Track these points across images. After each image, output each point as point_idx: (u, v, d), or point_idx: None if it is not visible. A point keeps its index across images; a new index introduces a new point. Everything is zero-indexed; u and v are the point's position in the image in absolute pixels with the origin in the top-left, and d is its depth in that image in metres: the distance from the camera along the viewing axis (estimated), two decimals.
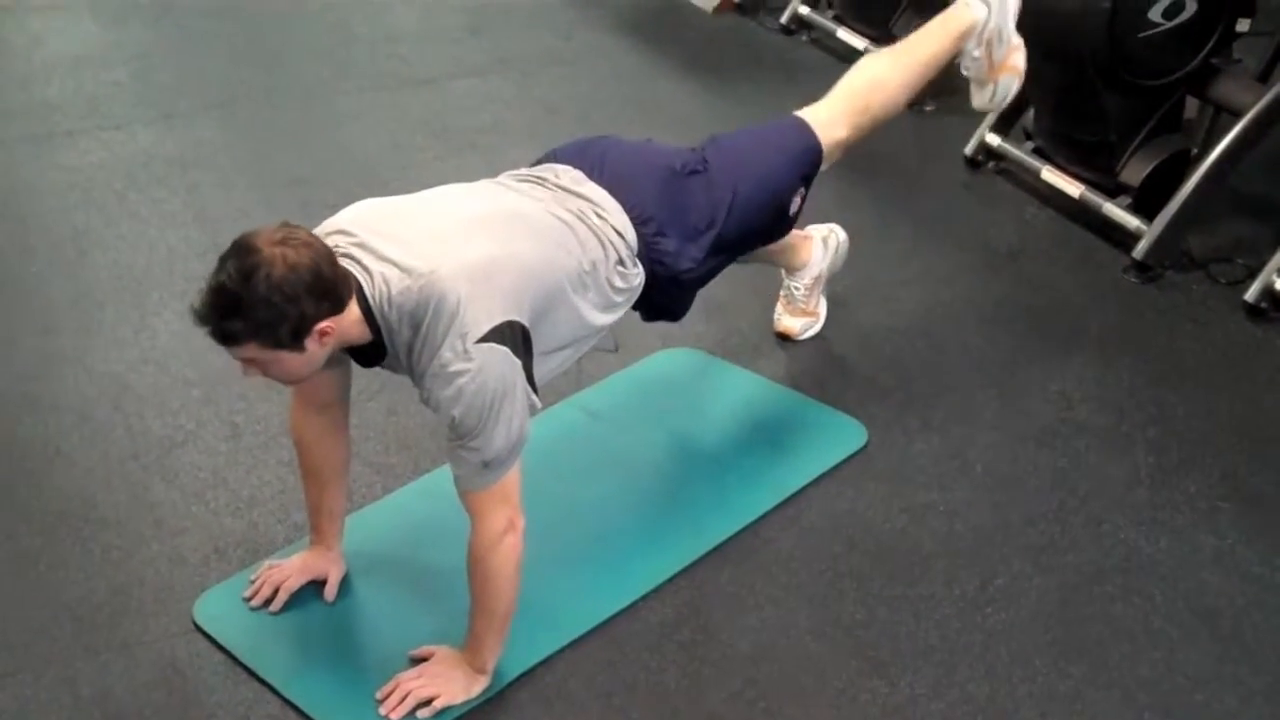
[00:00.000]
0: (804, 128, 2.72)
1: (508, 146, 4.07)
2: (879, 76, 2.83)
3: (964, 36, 2.84)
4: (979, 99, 2.97)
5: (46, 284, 3.42)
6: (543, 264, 2.26)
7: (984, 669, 2.39)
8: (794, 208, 2.71)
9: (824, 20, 4.74)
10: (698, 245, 2.53)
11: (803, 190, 2.71)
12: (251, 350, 2.04)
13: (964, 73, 2.93)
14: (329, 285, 2.04)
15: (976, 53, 2.86)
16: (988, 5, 2.83)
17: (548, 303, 2.25)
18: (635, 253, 2.44)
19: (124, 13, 5.00)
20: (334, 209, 2.29)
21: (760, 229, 2.70)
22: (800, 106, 4.37)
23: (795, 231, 2.93)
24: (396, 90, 4.49)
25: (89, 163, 3.97)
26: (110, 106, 4.31)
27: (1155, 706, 2.33)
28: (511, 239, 2.25)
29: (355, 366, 2.35)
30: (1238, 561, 2.63)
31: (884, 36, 4.49)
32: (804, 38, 4.88)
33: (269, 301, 1.99)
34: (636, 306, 2.54)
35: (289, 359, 2.07)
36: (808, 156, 2.70)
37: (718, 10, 5.00)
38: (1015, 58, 2.90)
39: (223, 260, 2.03)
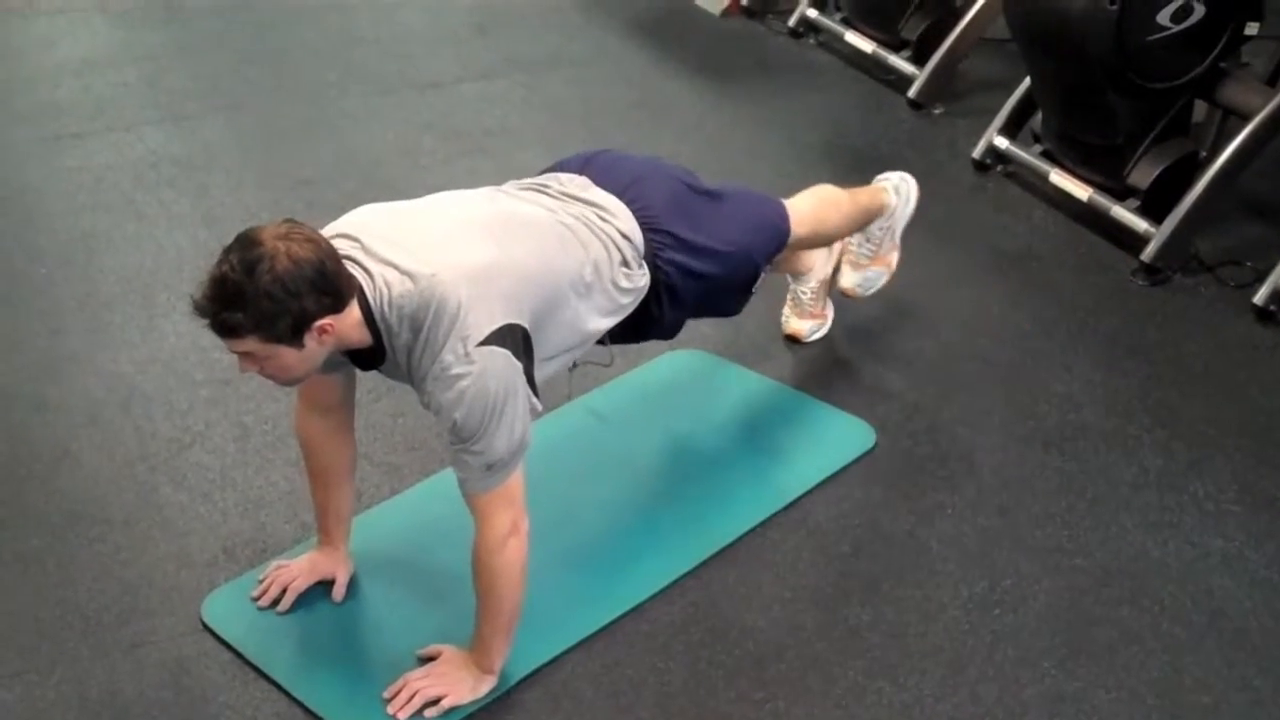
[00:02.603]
0: (785, 214, 2.76)
1: (515, 149, 4.07)
2: (840, 202, 2.95)
3: (880, 210, 3.07)
4: (849, 279, 3.14)
5: (55, 285, 3.42)
6: (543, 268, 2.26)
7: (992, 670, 2.39)
8: (758, 286, 2.74)
9: (832, 23, 4.74)
10: (700, 260, 2.52)
11: (767, 269, 2.76)
12: (251, 344, 2.04)
13: (850, 250, 3.13)
14: (331, 282, 2.04)
15: (876, 234, 3.08)
16: (898, 197, 3.09)
17: (548, 306, 2.26)
18: (641, 255, 2.44)
19: (132, 15, 5.01)
20: (341, 210, 2.30)
21: (732, 291, 2.70)
22: (808, 109, 4.41)
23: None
24: (403, 92, 4.50)
25: (97, 164, 3.97)
26: (118, 108, 4.31)
27: (1163, 709, 2.33)
28: (512, 243, 2.25)
29: (359, 371, 2.35)
30: (1246, 564, 2.63)
31: (892, 39, 4.50)
32: (812, 40, 4.88)
33: (271, 294, 1.98)
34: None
35: (287, 355, 2.07)
36: (781, 239, 2.74)
37: (725, 13, 5.02)
38: (893, 256, 3.16)
39: (226, 252, 2.03)
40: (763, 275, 2.73)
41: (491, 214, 2.33)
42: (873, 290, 3.16)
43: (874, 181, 3.13)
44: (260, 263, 1.99)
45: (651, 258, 2.45)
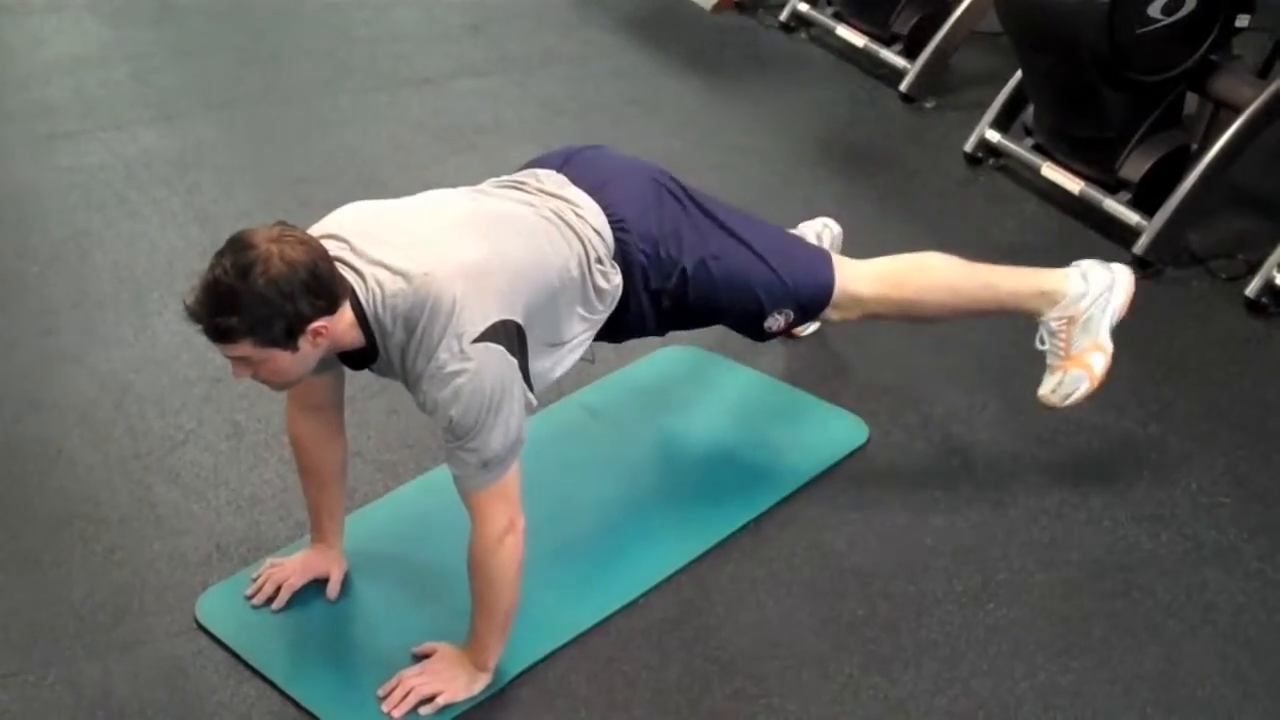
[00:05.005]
0: (827, 263, 2.63)
1: (508, 146, 4.07)
2: (932, 265, 2.70)
3: (1045, 298, 2.67)
4: (1044, 386, 2.71)
5: (47, 285, 3.42)
6: (532, 264, 2.26)
7: (986, 665, 2.39)
8: (772, 324, 2.61)
9: (823, 17, 4.74)
10: (662, 267, 2.47)
11: (790, 315, 2.61)
12: (245, 348, 2.04)
13: (1038, 346, 2.72)
14: (325, 283, 2.04)
15: (1054, 324, 2.67)
16: (1086, 285, 2.67)
17: (540, 301, 2.26)
18: (612, 254, 2.43)
19: (124, 13, 5.00)
20: (335, 209, 2.30)
21: (724, 312, 2.60)
22: (800, 104, 4.41)
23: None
24: (397, 90, 4.49)
25: (89, 163, 3.97)
26: (110, 107, 4.31)
27: (1157, 702, 2.33)
28: (501, 239, 2.25)
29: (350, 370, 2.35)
30: (1239, 557, 2.63)
31: (883, 33, 4.50)
32: (803, 35, 4.88)
33: (265, 297, 1.98)
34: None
35: (281, 358, 2.07)
36: (813, 288, 2.60)
37: (717, 8, 5.01)
38: (1095, 358, 2.67)
39: (218, 256, 2.03)
40: (778, 317, 2.60)
41: (477, 211, 2.33)
42: (1072, 399, 2.68)
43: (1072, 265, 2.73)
44: (254, 266, 1.99)
45: (621, 258, 2.44)
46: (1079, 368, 2.67)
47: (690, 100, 4.48)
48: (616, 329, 2.53)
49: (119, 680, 2.34)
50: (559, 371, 2.41)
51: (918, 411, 3.00)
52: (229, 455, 2.85)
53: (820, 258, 2.67)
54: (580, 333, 2.41)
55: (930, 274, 2.69)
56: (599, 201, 2.44)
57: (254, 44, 4.84)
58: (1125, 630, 2.47)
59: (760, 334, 2.67)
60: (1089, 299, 2.66)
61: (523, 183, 2.47)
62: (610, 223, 2.42)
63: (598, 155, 2.59)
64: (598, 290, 2.40)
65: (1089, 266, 2.71)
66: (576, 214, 2.40)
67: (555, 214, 2.37)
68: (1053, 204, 3.80)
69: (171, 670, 2.36)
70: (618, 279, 2.44)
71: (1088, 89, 3.47)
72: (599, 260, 2.39)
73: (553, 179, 2.48)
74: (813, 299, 2.62)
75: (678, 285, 2.50)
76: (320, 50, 4.79)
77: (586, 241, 2.37)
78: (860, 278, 2.64)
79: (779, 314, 2.61)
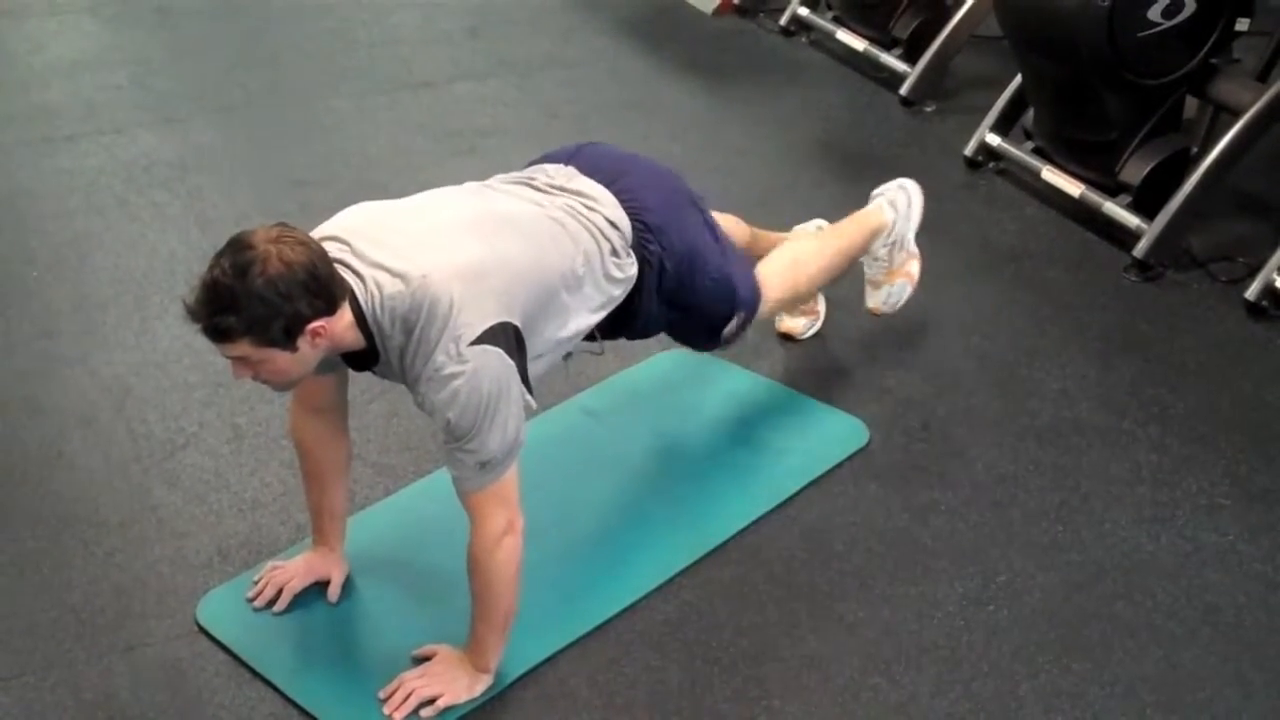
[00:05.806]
0: (758, 286, 2.75)
1: (507, 149, 4.07)
2: (802, 257, 2.92)
3: (875, 234, 3.02)
4: (873, 299, 3.12)
5: (47, 288, 3.42)
6: (533, 265, 2.26)
7: (986, 666, 2.39)
8: (728, 329, 2.72)
9: (823, 22, 4.75)
10: (682, 264, 2.52)
11: (744, 318, 2.72)
12: (243, 348, 2.04)
13: (865, 270, 3.09)
14: (323, 284, 2.04)
15: (881, 251, 3.04)
16: (895, 211, 3.04)
17: (539, 303, 2.26)
18: (629, 243, 2.44)
19: (123, 16, 5.01)
20: (334, 211, 2.30)
21: (706, 318, 2.69)
22: (801, 108, 4.41)
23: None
24: (396, 93, 4.50)
25: (89, 167, 3.97)
26: (110, 110, 4.31)
27: (1158, 704, 2.33)
28: (502, 241, 2.25)
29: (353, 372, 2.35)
30: (1239, 558, 2.63)
31: (883, 37, 4.50)
32: (803, 39, 4.89)
33: (263, 297, 1.99)
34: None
35: (280, 358, 2.07)
36: (754, 295, 2.73)
37: (717, 12, 5.02)
38: (911, 265, 3.11)
39: (217, 256, 2.03)
40: (728, 330, 2.71)
41: (480, 211, 2.33)
42: (900, 304, 3.12)
43: (870, 198, 3.08)
44: (252, 266, 1.99)
45: (639, 247, 2.45)
46: (901, 278, 3.10)
47: (690, 104, 4.49)
48: (618, 325, 2.54)
49: (120, 683, 2.34)
50: (559, 360, 2.43)
51: (918, 413, 3.01)
52: (230, 458, 2.85)
53: (753, 275, 2.77)
54: (584, 328, 2.42)
55: (816, 262, 2.92)
56: (617, 193, 2.45)
57: (253, 47, 4.85)
58: (1126, 632, 2.47)
59: (713, 342, 2.75)
60: (900, 220, 3.05)
61: (532, 179, 2.48)
62: (629, 212, 2.44)
63: (608, 149, 2.62)
64: (611, 279, 2.41)
65: (889, 192, 3.07)
66: (588, 207, 2.41)
67: (565, 211, 2.38)
68: (1053, 207, 3.80)
69: (172, 673, 2.36)
70: (633, 269, 2.45)
71: (1088, 92, 3.47)
72: (614, 253, 2.41)
73: (562, 172, 2.49)
74: (753, 307, 2.75)
75: (689, 295, 2.55)
76: (319, 53, 4.80)
77: (599, 236, 2.38)
78: (771, 285, 2.78)
79: (735, 321, 2.71)
